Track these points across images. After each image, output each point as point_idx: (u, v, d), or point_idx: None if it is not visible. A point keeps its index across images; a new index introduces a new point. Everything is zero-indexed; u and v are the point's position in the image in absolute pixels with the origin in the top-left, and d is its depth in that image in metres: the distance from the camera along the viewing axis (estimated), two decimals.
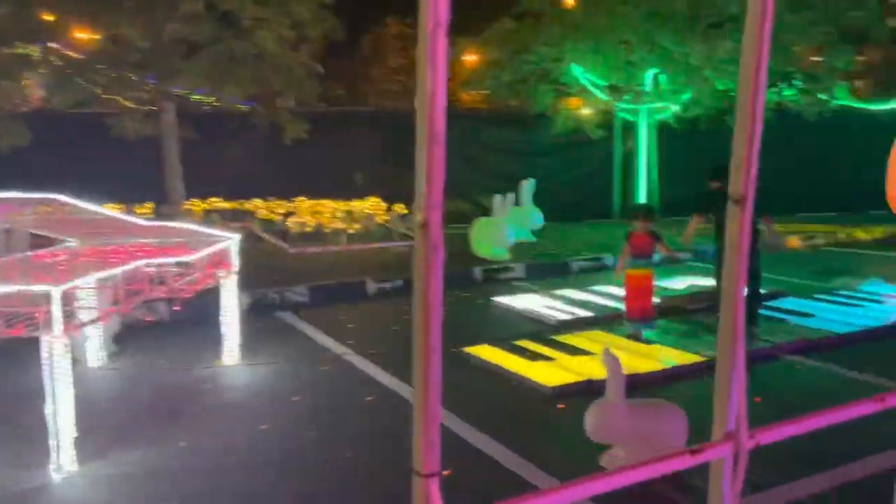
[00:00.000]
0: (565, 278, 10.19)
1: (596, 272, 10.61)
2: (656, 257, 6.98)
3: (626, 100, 12.55)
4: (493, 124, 14.97)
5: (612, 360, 4.09)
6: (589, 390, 5.39)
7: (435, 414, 1.06)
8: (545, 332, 7.12)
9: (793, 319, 7.31)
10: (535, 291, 8.96)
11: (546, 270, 10.45)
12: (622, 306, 7.81)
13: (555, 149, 14.62)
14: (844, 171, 15.15)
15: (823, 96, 11.87)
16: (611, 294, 8.62)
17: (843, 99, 12.29)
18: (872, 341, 6.77)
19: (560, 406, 5.17)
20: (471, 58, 13.12)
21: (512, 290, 9.12)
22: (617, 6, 10.79)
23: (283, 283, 8.94)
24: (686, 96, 12.20)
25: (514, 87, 12.83)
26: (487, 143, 14.83)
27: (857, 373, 5.81)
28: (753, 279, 6.98)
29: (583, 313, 7.69)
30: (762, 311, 7.39)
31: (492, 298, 8.60)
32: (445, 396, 4.42)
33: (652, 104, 12.21)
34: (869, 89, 12.35)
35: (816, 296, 8.51)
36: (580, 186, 14.76)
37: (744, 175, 1.26)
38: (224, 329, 6.37)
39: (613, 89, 12.27)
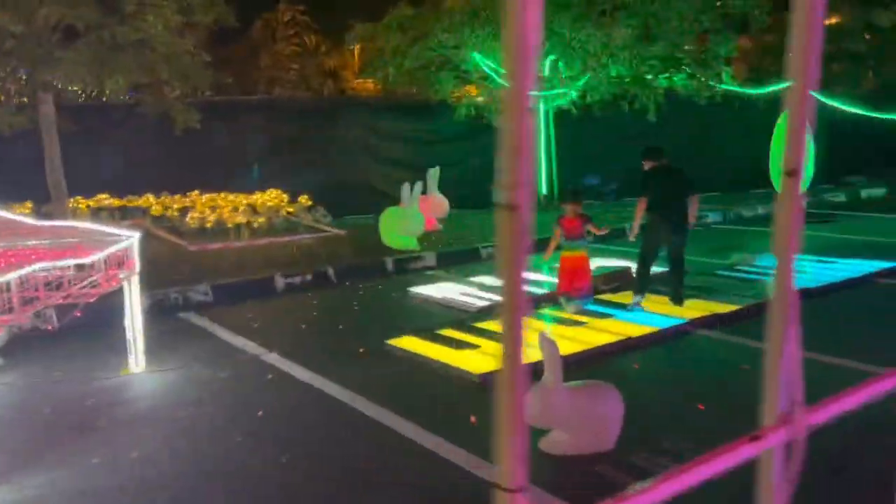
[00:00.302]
0: (477, 265, 10.20)
1: None
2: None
3: None
4: (392, 113, 14.78)
5: (549, 344, 4.08)
6: None
7: (521, 427, 0.95)
8: (466, 319, 7.08)
9: (703, 295, 7.59)
10: (450, 279, 8.92)
11: (457, 258, 10.43)
12: (538, 290, 7.96)
13: (455, 137, 14.61)
14: (730, 151, 16.00)
15: (711, 82, 12.47)
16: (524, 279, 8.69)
17: (727, 84, 12.95)
18: None
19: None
20: (370, 45, 12.88)
21: (427, 280, 9.04)
22: None
23: (184, 282, 8.47)
24: (582, 82, 12.49)
25: (415, 74, 12.71)
26: (386, 132, 14.64)
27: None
28: (680, 259, 7.29)
29: (499, 298, 7.69)
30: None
31: (408, 289, 8.49)
32: (374, 390, 4.34)
33: (551, 91, 12.42)
34: (742, 75, 13.07)
35: (718, 272, 8.90)
36: (482, 174, 14.69)
37: (795, 149, 1.20)
38: (129, 335, 5.94)
39: None
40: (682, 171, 7.39)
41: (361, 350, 6.24)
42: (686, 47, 11.78)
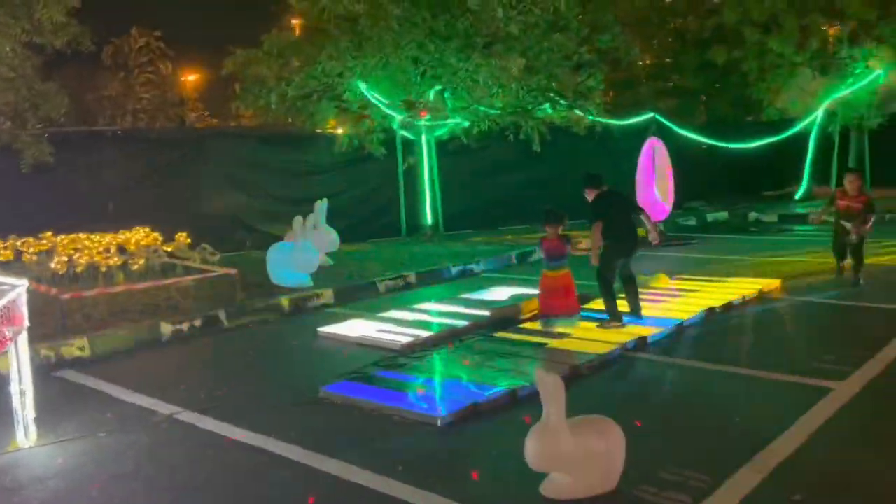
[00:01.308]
0: (379, 300, 9.79)
1: (407, 291, 10.37)
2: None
3: (408, 115, 12.53)
4: (266, 144, 13.99)
5: (551, 381, 3.82)
6: (477, 412, 5.13)
7: None
8: (395, 358, 6.67)
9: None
10: (357, 317, 8.43)
11: (356, 294, 9.95)
12: (460, 322, 7.71)
13: (333, 167, 14.12)
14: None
15: (590, 113, 12.98)
16: (439, 311, 8.42)
17: (595, 115, 13.54)
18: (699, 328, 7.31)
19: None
20: (247, 72, 12.12)
21: (331, 318, 8.49)
22: (403, 22, 10.70)
23: (53, 336, 7.38)
24: (466, 115, 12.52)
25: (296, 103, 12.14)
26: (260, 164, 13.84)
27: (701, 362, 6.21)
28: (633, 275, 7.59)
29: (423, 333, 7.35)
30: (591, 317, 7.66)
31: (318, 329, 7.91)
32: (327, 445, 3.81)
33: (435, 121, 12.33)
34: (599, 107, 13.75)
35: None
36: (363, 206, 14.44)
37: None
38: (15, 402, 4.99)
39: (406, 105, 12.17)
40: (622, 194, 7.86)
41: (295, 400, 5.65)
42: (560, 81, 12.18)
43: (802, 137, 18.99)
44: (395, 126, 13.38)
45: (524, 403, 5.33)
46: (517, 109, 12.10)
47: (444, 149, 14.17)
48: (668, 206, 14.33)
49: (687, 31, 19.19)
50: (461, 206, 14.94)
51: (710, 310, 7.83)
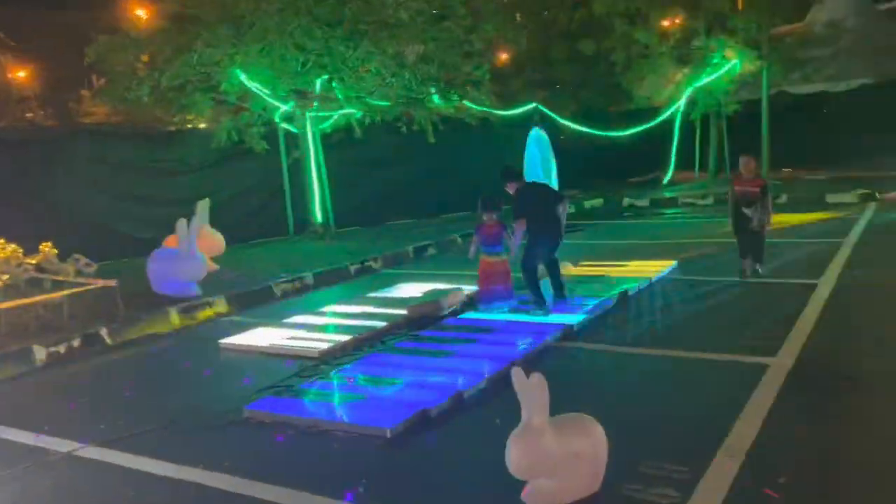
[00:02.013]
0: (277, 305, 9.15)
1: (305, 293, 9.78)
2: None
3: (296, 106, 11.84)
4: (131, 141, 12.69)
5: (534, 380, 3.53)
6: (427, 418, 4.78)
7: None
8: (317, 366, 6.16)
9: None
10: (259, 324, 7.77)
11: (251, 300, 9.24)
12: (378, 323, 7.29)
13: (211, 165, 13.10)
14: (478, 171, 16.64)
15: (471, 104, 12.83)
16: (349, 313, 7.94)
17: (484, 105, 13.44)
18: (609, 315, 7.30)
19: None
20: (111, 62, 10.85)
21: (231, 328, 7.80)
22: (286, 7, 10.01)
23: None
24: (357, 105, 11.96)
25: (167, 95, 11.08)
26: (127, 164, 12.60)
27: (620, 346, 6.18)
28: (557, 264, 7.59)
29: (340, 337, 6.86)
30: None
31: (219, 341, 7.21)
32: (264, 471, 3.34)
33: (326, 112, 11.70)
34: (489, 97, 13.70)
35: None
36: (245, 205, 13.53)
37: None
38: None
39: (295, 95, 11.46)
40: (545, 185, 7.89)
41: (216, 423, 5.03)
42: (450, 72, 11.94)
43: (667, 125, 19.94)
44: (276, 119, 12.63)
45: (473, 405, 5.05)
46: (409, 99, 11.74)
47: (329, 142, 13.57)
48: None
49: (556, 24, 19.59)
50: (349, 201, 14.40)
51: (624, 293, 7.88)
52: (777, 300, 7.42)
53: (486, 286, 7.44)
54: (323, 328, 7.35)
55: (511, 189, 7.45)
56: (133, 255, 11.50)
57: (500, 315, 7.30)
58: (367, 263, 11.19)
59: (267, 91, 11.51)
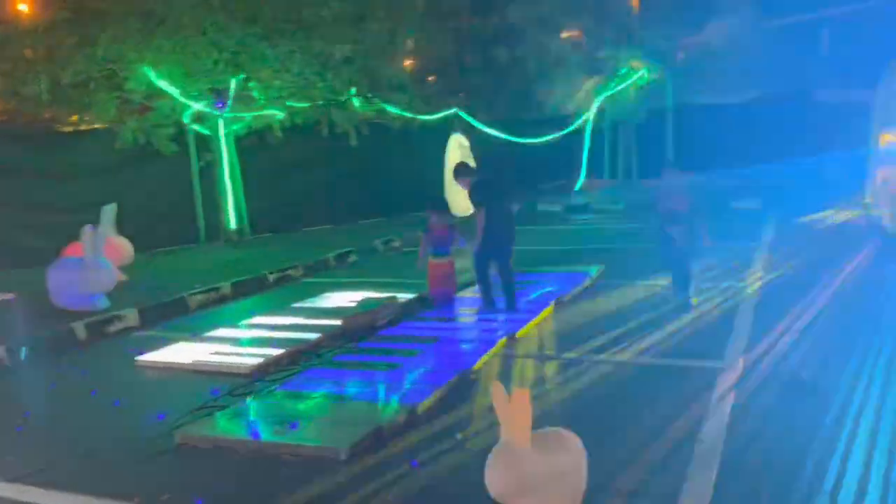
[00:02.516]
0: (192, 318, 8.56)
1: (223, 304, 9.21)
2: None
3: (211, 105, 11.19)
4: (18, 144, 11.59)
5: (517, 395, 3.32)
6: (381, 437, 4.49)
7: None
8: (251, 383, 5.73)
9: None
10: (179, 339, 7.21)
11: (164, 312, 8.60)
12: (310, 335, 6.91)
13: (115, 168, 12.14)
14: (395, 175, 16.38)
15: (393, 109, 12.53)
16: (277, 325, 7.49)
17: (412, 112, 13.18)
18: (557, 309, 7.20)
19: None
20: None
21: (146, 344, 7.18)
22: (200, 3, 9.38)
23: None
24: (278, 107, 11.41)
25: (66, 92, 10.16)
26: (14, 168, 11.49)
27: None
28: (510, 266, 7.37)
29: (271, 351, 6.43)
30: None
31: (135, 359, 6.62)
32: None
33: (243, 112, 11.08)
34: (413, 101, 13.52)
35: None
36: (152, 210, 12.67)
37: None
38: None
39: (213, 94, 10.81)
40: (500, 180, 7.81)
41: (147, 451, 4.54)
42: (378, 72, 11.62)
43: (577, 133, 20.32)
44: (186, 119, 11.91)
45: (428, 420, 4.78)
46: (331, 102, 11.32)
47: (242, 144, 12.94)
48: None
49: (469, 30, 19.58)
50: (263, 206, 13.80)
51: (559, 299, 7.81)
52: (706, 300, 7.54)
53: (439, 287, 7.51)
54: (250, 342, 6.89)
55: (465, 185, 7.28)
56: (25, 266, 10.54)
57: (441, 323, 7.09)
58: (287, 272, 10.69)
59: (177, 90, 10.81)
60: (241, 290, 9.76)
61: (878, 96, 10.57)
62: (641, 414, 4.68)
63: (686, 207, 7.20)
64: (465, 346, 6.27)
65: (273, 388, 5.51)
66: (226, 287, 9.61)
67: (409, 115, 13.57)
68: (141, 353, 6.74)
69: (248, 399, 5.27)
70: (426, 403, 4.94)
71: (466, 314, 7.45)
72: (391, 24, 11.29)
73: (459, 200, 14.13)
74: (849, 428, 4.20)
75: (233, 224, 12.23)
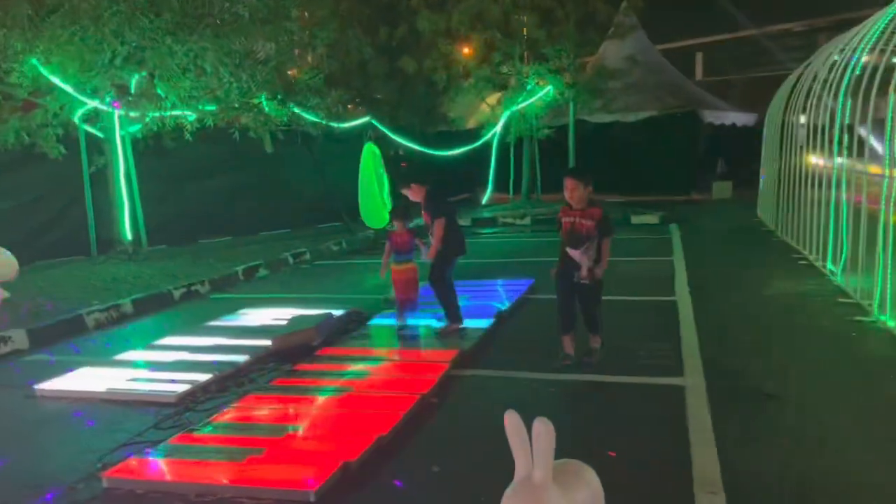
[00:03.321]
0: (95, 338, 7.66)
1: (125, 323, 8.31)
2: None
3: (109, 103, 10.15)
4: None
5: (542, 428, 2.95)
6: (348, 476, 4.01)
7: None
8: (180, 413, 5.07)
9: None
10: (84, 364, 6.37)
11: (60, 332, 7.64)
12: (237, 357, 6.27)
13: None
14: (301, 186, 15.65)
15: (309, 114, 11.86)
16: (195, 346, 6.77)
17: (328, 119, 12.55)
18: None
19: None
20: None
21: (42, 370, 6.30)
22: None
23: None
24: (189, 107, 10.48)
25: None
26: None
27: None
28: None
29: (196, 377, 5.76)
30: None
31: (35, 387, 5.76)
32: None
33: (146, 112, 10.07)
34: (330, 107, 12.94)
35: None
36: (33, 220, 11.37)
37: None
38: None
39: (115, 90, 9.76)
40: (446, 189, 7.62)
41: (70, 499, 3.84)
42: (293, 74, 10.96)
43: (483, 148, 20.31)
44: (76, 119, 10.79)
45: (395, 451, 4.34)
46: (245, 104, 10.54)
47: (136, 149, 11.89)
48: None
49: (376, 38, 19.13)
50: (157, 217, 12.75)
51: (499, 314, 7.54)
52: (644, 313, 7.50)
53: (405, 295, 7.22)
54: (169, 366, 6.16)
55: (417, 192, 6.88)
56: None
57: (381, 343, 6.65)
58: (193, 287, 9.85)
59: (70, 85, 9.73)
60: (144, 308, 8.87)
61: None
62: (630, 439, 4.44)
63: (593, 226, 5.63)
64: (417, 367, 5.85)
65: (207, 419, 4.87)
66: (126, 304, 8.70)
67: (323, 121, 12.94)
68: (36, 382, 5.88)
69: (179, 437, 4.60)
70: (391, 433, 4.48)
71: (409, 329, 7.07)
72: (308, 25, 10.69)
73: (374, 212, 13.74)
74: None
75: (128, 235, 11.16)
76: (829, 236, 9.06)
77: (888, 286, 6.73)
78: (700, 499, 3.58)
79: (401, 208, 7.48)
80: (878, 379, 5.35)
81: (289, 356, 6.33)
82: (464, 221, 17.84)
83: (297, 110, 11.82)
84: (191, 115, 10.37)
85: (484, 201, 20.35)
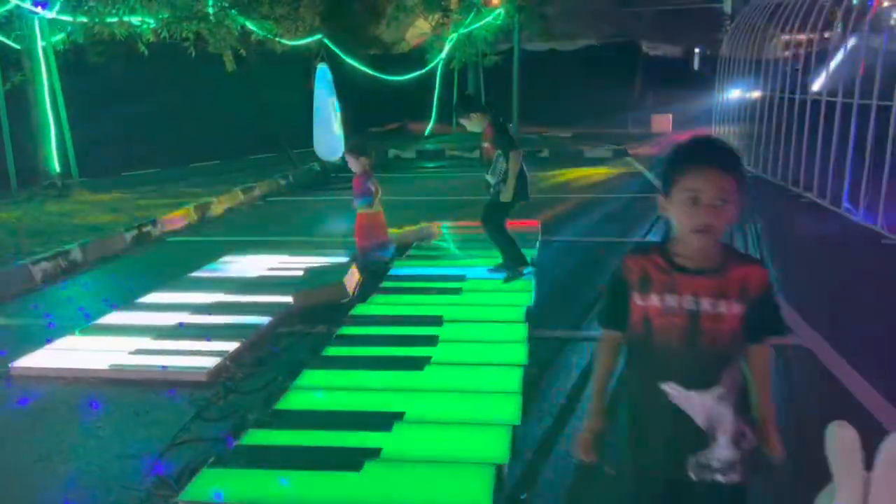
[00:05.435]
0: (49, 294, 6.34)
1: (78, 274, 6.98)
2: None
3: (21, 2, 8.36)
4: None
5: (847, 435, 2.25)
6: (501, 480, 3.23)
7: None
8: (221, 396, 4.06)
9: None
10: (61, 332, 5.16)
11: (8, 289, 6.27)
12: (251, 319, 5.24)
13: None
14: (240, 112, 14.07)
15: (259, 28, 10.31)
16: (195, 305, 5.65)
17: (269, 32, 11.02)
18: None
19: None
20: None
21: (9, 342, 5.06)
22: None
23: None
24: (145, 12, 8.75)
25: None
26: None
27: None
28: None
29: (222, 345, 4.70)
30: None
31: (10, 366, 4.54)
32: None
33: (89, 18, 8.27)
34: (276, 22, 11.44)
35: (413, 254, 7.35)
36: None
37: None
38: None
39: None
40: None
41: None
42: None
43: (430, 75, 19.06)
44: None
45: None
46: (196, 13, 8.94)
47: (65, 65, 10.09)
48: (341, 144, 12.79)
49: None
50: (81, 145, 11.02)
51: (532, 261, 6.77)
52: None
53: (363, 242, 6.36)
54: (175, 332, 5.05)
55: (480, 120, 5.85)
56: None
57: (432, 298, 5.69)
58: (144, 229, 8.48)
59: None
60: (96, 254, 7.51)
61: None
62: None
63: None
64: (495, 330, 5.04)
65: (263, 405, 3.90)
66: (75, 250, 7.31)
67: (273, 38, 11.41)
68: (7, 355, 4.67)
69: (229, 427, 3.62)
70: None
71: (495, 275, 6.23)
72: None
73: (326, 142, 12.49)
74: None
75: (56, 167, 9.49)
76: None
77: None
78: None
79: (355, 142, 6.77)
80: None
81: (313, 316, 5.35)
82: (408, 154, 16.80)
83: (253, 26, 10.31)
84: (151, 21, 8.70)
85: (427, 132, 19.25)
